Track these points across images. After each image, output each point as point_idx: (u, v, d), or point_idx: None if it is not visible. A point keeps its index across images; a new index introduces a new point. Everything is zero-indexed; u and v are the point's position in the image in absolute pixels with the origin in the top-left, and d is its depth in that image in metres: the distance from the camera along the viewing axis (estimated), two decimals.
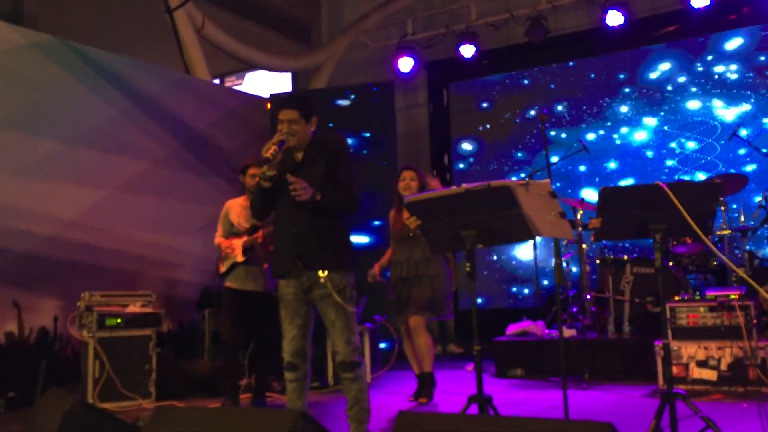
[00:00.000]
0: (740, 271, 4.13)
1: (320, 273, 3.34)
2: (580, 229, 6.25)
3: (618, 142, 8.39)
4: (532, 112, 8.82)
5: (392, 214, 5.12)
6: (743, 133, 7.23)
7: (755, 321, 4.73)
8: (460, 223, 3.05)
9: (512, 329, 6.41)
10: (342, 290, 3.37)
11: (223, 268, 5.03)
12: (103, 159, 6.77)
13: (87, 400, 5.06)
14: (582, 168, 8.51)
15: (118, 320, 5.42)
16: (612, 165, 8.39)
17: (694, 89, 7.99)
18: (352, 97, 7.88)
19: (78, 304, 5.49)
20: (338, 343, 3.40)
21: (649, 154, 8.19)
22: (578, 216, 6.36)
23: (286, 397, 3.54)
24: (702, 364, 4.80)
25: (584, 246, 6.40)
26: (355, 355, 3.41)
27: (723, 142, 7.71)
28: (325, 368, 5.88)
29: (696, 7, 7.41)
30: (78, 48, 6.75)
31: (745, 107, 7.72)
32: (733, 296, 4.79)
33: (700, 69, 7.98)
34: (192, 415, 2.50)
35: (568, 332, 5.94)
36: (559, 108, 8.73)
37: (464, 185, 2.98)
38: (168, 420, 2.46)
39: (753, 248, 6.75)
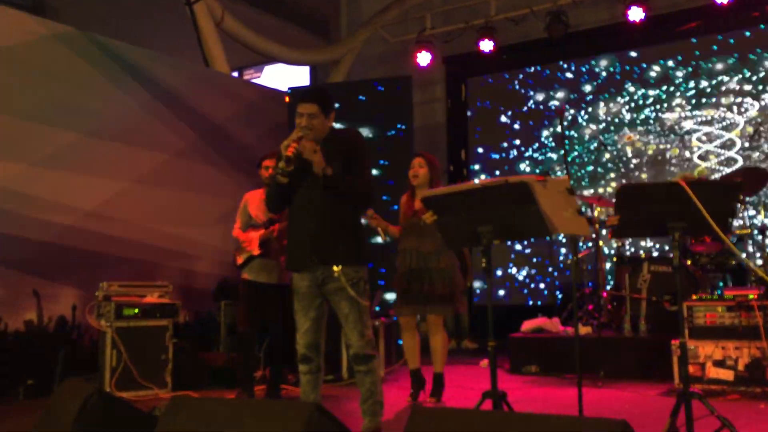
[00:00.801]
0: (759, 271, 4.10)
1: (334, 267, 3.36)
2: (597, 226, 6.21)
3: (638, 142, 8.33)
4: (552, 105, 8.76)
5: (403, 199, 5.01)
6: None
7: None
8: (476, 218, 3.05)
9: (527, 326, 6.39)
10: (356, 284, 3.38)
11: (240, 260, 5.06)
12: (122, 150, 6.82)
13: (104, 389, 5.11)
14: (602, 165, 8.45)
15: (136, 310, 5.47)
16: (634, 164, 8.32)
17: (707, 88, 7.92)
18: (379, 89, 7.87)
19: (96, 293, 5.55)
20: (351, 336, 3.42)
21: (674, 151, 8.12)
22: (596, 213, 6.32)
23: (300, 389, 3.57)
24: (719, 363, 4.76)
25: (601, 243, 6.36)
26: (368, 348, 3.42)
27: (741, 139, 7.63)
28: (340, 361, 5.90)
29: (719, 2, 7.31)
30: (99, 40, 6.80)
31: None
32: (751, 296, 4.75)
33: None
34: (207, 405, 2.52)
35: (583, 329, 5.92)
36: (577, 104, 8.67)
37: (481, 180, 2.98)
38: (184, 409, 2.48)
39: None
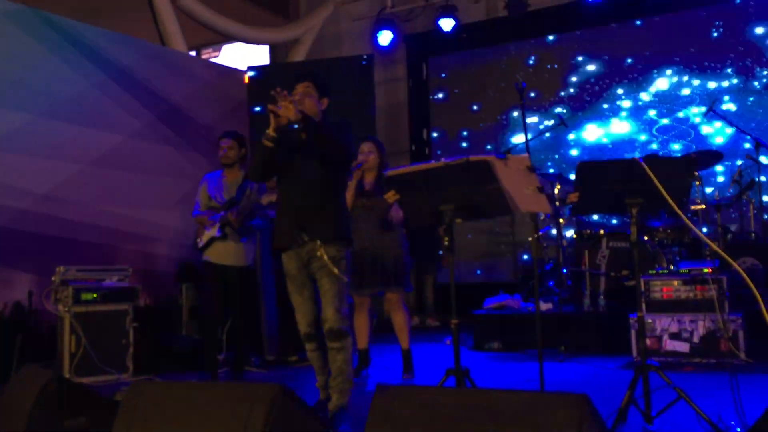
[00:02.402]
0: (714, 245, 4.19)
1: (318, 245, 3.43)
2: (557, 203, 6.29)
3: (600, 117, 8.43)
4: (513, 83, 8.79)
5: (351, 183, 5.00)
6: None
7: (727, 294, 4.81)
8: (438, 197, 3.06)
9: (490, 303, 6.46)
10: (338, 262, 3.45)
11: (201, 242, 5.01)
12: (77, 132, 6.66)
13: (63, 375, 5.03)
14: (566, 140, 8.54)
15: (94, 295, 5.38)
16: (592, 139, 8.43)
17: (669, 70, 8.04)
18: (340, 68, 7.80)
19: (53, 278, 5.43)
20: (328, 310, 3.46)
21: (627, 129, 8.24)
22: (556, 191, 6.39)
23: (313, 365, 3.66)
24: (675, 336, 4.88)
25: (561, 220, 6.44)
26: (343, 323, 3.47)
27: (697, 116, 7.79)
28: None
29: None
30: (50, 18, 6.59)
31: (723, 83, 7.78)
32: (706, 270, 4.87)
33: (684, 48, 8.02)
34: (170, 390, 2.50)
35: (544, 306, 6.00)
36: (542, 81, 8.72)
37: (443, 159, 2.98)
38: (146, 394, 2.45)
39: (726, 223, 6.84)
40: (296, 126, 3.31)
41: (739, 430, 2.87)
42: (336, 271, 3.43)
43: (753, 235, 6.48)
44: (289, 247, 3.54)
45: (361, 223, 4.84)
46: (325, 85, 3.65)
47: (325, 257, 3.43)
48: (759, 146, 6.27)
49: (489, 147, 8.93)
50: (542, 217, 6.67)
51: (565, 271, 6.45)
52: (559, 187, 6.41)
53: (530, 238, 7.85)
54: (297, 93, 3.50)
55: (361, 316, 4.98)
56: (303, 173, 3.50)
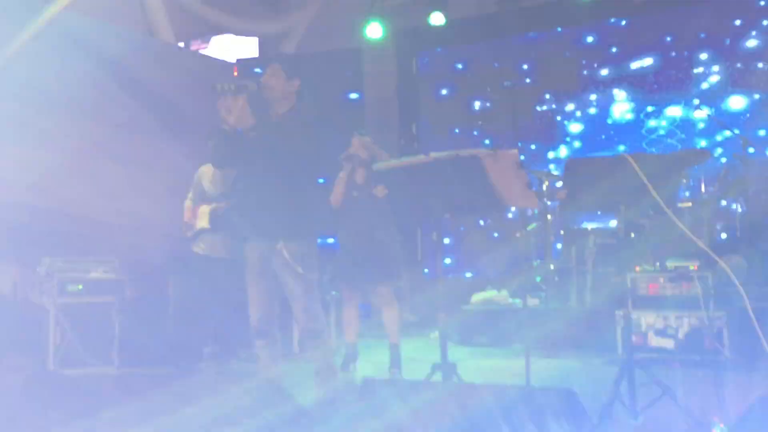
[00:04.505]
0: (700, 243, 4.22)
1: (277, 246, 3.32)
2: (546, 199, 6.30)
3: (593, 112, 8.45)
4: (504, 79, 8.79)
5: (342, 176, 4.99)
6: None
7: (713, 291, 4.84)
8: (427, 192, 3.05)
9: (477, 298, 6.47)
10: (302, 259, 3.34)
11: (190, 233, 5.02)
12: (64, 122, 6.59)
13: (48, 366, 5.00)
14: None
15: (80, 286, 5.34)
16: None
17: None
18: (330, 61, 7.77)
19: (38, 269, 5.39)
20: (297, 311, 3.39)
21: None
22: (544, 187, 6.41)
23: (261, 364, 3.50)
24: (660, 332, 4.91)
25: (549, 216, 6.46)
26: (315, 322, 3.39)
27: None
28: (291, 336, 5.88)
29: None
30: (36, 6, 6.52)
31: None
32: (692, 267, 4.90)
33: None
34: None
35: (531, 301, 6.02)
36: (528, 79, 8.73)
37: (432, 154, 2.98)
38: None
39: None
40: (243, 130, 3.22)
41: (722, 426, 2.90)
42: (300, 269, 3.31)
43: (739, 232, 6.53)
44: (250, 238, 3.44)
45: (352, 217, 4.84)
46: (291, 69, 3.52)
47: (287, 255, 3.30)
48: (746, 144, 6.31)
49: (487, 142, 8.93)
50: (530, 212, 6.69)
51: (552, 267, 6.47)
52: (547, 183, 6.43)
53: (518, 234, 7.88)
54: (266, 76, 3.40)
55: (350, 310, 4.98)
56: (266, 162, 3.34)
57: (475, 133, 9.05)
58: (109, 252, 6.41)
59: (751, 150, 6.43)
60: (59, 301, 5.21)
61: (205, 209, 4.94)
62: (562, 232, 6.67)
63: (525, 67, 8.78)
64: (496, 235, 8.70)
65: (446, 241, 8.82)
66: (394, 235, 4.90)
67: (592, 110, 8.40)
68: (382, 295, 4.87)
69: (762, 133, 7.46)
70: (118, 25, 7.51)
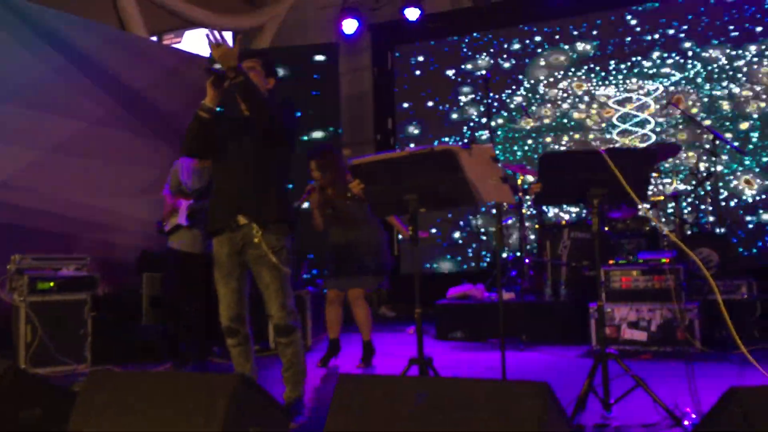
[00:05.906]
0: (672, 236, 4.28)
1: (254, 231, 3.25)
2: (520, 194, 6.34)
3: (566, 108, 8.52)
4: (478, 73, 8.83)
5: (314, 196, 5.00)
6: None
7: (684, 284, 4.92)
8: (403, 186, 3.06)
9: (453, 292, 6.50)
10: (278, 251, 3.28)
11: (167, 227, 4.99)
12: (36, 117, 6.49)
13: (18, 365, 4.92)
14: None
15: (51, 284, 5.26)
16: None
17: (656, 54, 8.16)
18: (305, 56, 7.73)
19: (8, 267, 5.30)
20: (272, 306, 3.32)
21: (591, 121, 8.35)
22: (519, 181, 6.45)
23: (233, 362, 3.46)
24: (633, 325, 4.97)
25: (524, 211, 6.51)
26: (289, 318, 3.33)
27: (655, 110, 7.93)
28: (266, 331, 5.85)
29: None
30: (8, 0, 6.40)
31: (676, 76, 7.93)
32: (663, 260, 4.96)
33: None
34: (129, 380, 2.46)
35: (507, 295, 6.06)
36: (505, 72, 8.77)
37: (408, 149, 2.98)
38: (104, 385, 2.40)
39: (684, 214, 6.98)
40: (225, 72, 3.14)
41: (694, 416, 2.94)
42: (275, 260, 3.23)
43: (709, 226, 6.63)
44: (221, 231, 3.33)
45: (333, 224, 4.99)
46: (271, 65, 3.46)
47: (264, 245, 3.23)
48: (716, 139, 6.41)
49: (454, 137, 8.96)
50: (505, 207, 6.73)
51: (527, 261, 6.52)
52: (522, 177, 6.47)
53: (493, 229, 7.91)
54: (244, 67, 3.29)
55: (334, 309, 5.10)
56: (241, 152, 3.28)
57: (448, 127, 9.07)
58: (83, 249, 6.34)
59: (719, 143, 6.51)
60: (30, 299, 5.13)
61: (184, 205, 4.91)
62: (536, 226, 6.72)
63: (497, 61, 8.81)
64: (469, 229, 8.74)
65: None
66: (378, 230, 5.00)
67: None
68: (351, 296, 5.00)
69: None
70: (88, 19, 7.40)
